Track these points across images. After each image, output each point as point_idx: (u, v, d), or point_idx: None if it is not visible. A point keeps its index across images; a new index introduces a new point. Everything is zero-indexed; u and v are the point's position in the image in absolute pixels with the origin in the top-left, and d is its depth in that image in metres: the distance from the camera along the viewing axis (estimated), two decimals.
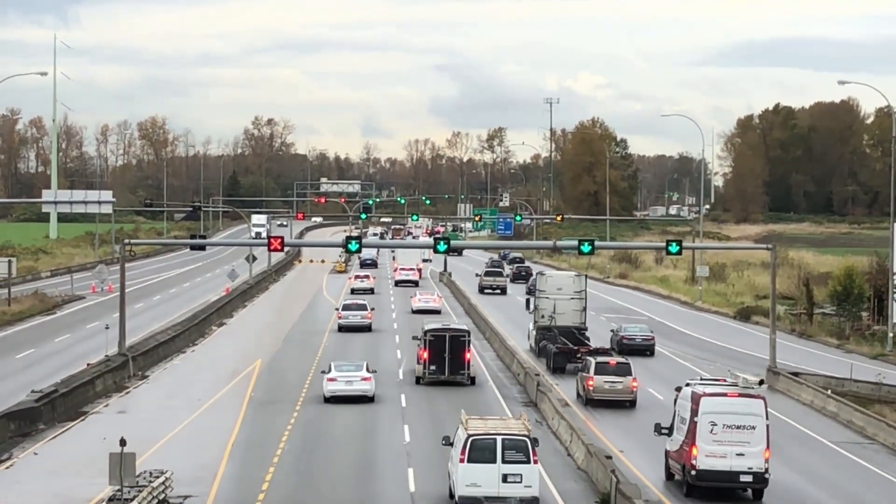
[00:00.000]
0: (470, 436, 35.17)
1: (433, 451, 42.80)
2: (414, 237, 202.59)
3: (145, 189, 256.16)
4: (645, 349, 73.68)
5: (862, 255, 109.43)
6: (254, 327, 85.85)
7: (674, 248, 63.92)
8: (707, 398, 38.34)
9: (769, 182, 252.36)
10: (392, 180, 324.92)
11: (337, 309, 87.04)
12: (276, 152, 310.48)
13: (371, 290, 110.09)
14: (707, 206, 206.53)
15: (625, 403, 55.14)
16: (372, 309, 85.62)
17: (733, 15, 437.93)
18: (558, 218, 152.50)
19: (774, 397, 58.77)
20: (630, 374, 55.33)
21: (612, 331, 77.76)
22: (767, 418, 38.39)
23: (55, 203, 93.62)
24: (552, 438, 46.86)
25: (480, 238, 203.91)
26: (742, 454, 37.82)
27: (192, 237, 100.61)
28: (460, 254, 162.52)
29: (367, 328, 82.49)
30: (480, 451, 34.77)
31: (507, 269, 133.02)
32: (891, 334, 79.40)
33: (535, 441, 35.61)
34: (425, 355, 59.50)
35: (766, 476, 38.08)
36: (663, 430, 41.10)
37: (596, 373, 55.30)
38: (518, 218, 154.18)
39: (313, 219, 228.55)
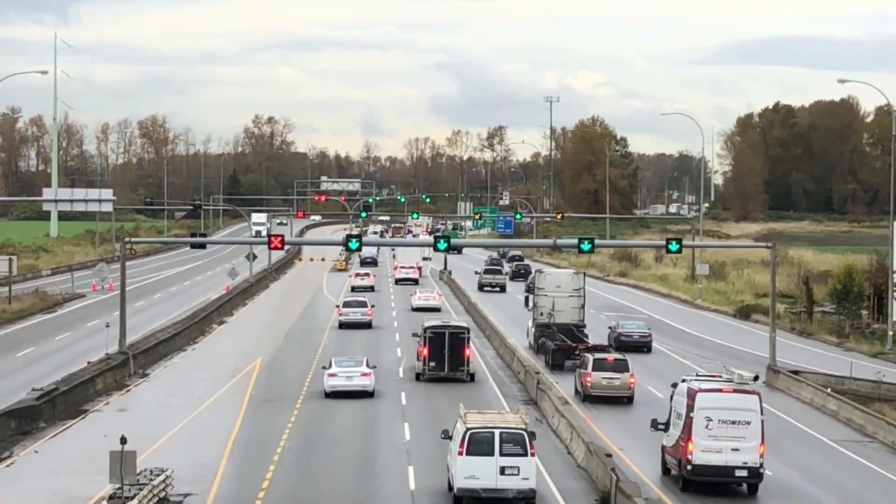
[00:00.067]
0: (468, 429, 35.63)
1: (433, 450, 42.86)
2: (414, 235, 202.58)
3: (146, 187, 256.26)
4: (642, 346, 74.25)
5: (862, 253, 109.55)
6: (254, 325, 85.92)
7: (674, 246, 64.04)
8: (703, 394, 38.69)
9: (769, 180, 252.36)
10: (392, 179, 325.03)
11: (337, 306, 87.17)
12: (277, 151, 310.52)
13: (371, 288, 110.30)
14: (707, 205, 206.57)
15: (622, 399, 55.46)
16: (372, 306, 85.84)
17: (733, 14, 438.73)
18: (558, 216, 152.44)
19: (774, 395, 58.92)
20: (627, 371, 55.68)
21: (609, 328, 78.01)
22: (762, 414, 38.73)
23: (56, 201, 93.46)
24: (552, 437, 46.91)
25: (480, 236, 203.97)
26: (737, 449, 38.16)
27: (193, 235, 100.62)
28: (460, 252, 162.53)
29: (367, 325, 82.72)
30: (478, 444, 35.26)
31: (507, 267, 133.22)
32: (890, 332, 79.46)
33: (532, 434, 36.04)
34: (425, 352, 60.02)
35: (761, 471, 38.47)
36: (660, 426, 41.46)
37: (594, 369, 55.58)
38: (518, 216, 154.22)
39: (312, 217, 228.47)
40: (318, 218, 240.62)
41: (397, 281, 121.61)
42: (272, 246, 64.88)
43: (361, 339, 76.97)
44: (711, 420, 38.21)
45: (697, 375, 43.29)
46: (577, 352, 63.45)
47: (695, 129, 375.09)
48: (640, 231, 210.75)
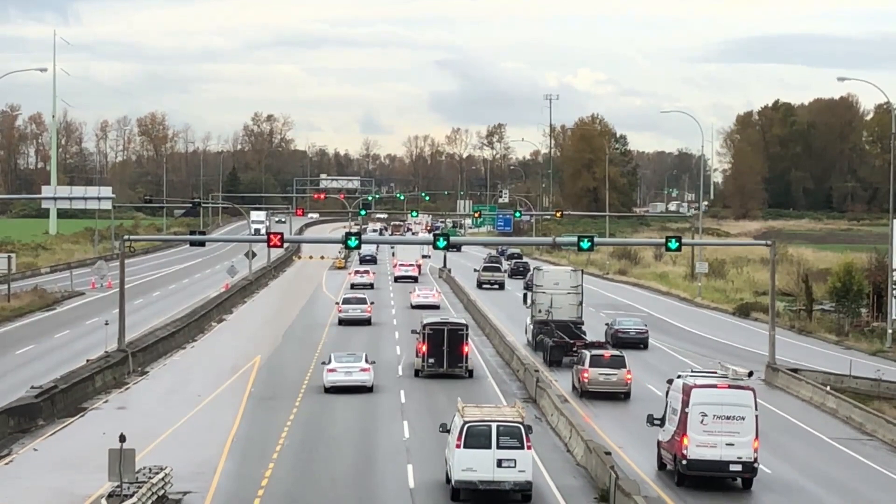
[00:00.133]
0: (466, 422, 36.00)
1: (432, 447, 42.86)
2: (413, 233, 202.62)
3: (145, 185, 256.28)
4: (638, 342, 74.48)
5: (861, 251, 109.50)
6: (253, 323, 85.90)
7: (673, 244, 64.11)
8: (698, 389, 38.96)
9: (768, 178, 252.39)
10: (391, 177, 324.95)
11: (337, 303, 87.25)
12: (276, 148, 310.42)
13: (371, 286, 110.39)
14: (706, 203, 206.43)
15: (619, 395, 55.72)
16: (372, 303, 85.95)
17: (733, 12, 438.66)
18: (558, 214, 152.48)
19: (774, 393, 58.96)
20: (624, 367, 55.94)
21: (606, 325, 78.13)
22: (756, 409, 38.96)
23: (55, 199, 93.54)
24: (552, 434, 46.91)
25: (480, 234, 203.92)
26: (732, 444, 38.48)
27: (192, 233, 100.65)
28: (460, 250, 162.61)
29: (367, 321, 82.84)
30: (476, 437, 35.66)
31: (505, 265, 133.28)
32: (890, 331, 79.47)
33: (528, 428, 36.41)
34: (424, 348, 60.30)
35: (755, 465, 38.77)
36: (655, 421, 41.70)
37: (591, 365, 55.78)
38: (517, 214, 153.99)
39: (311, 215, 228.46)
40: (316, 216, 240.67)
41: (397, 279, 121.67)
42: (271, 244, 64.86)
43: (361, 336, 76.95)
44: (706, 415, 38.54)
45: (693, 371, 43.48)
46: (574, 348, 63.58)
47: (694, 127, 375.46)
48: (639, 229, 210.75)
